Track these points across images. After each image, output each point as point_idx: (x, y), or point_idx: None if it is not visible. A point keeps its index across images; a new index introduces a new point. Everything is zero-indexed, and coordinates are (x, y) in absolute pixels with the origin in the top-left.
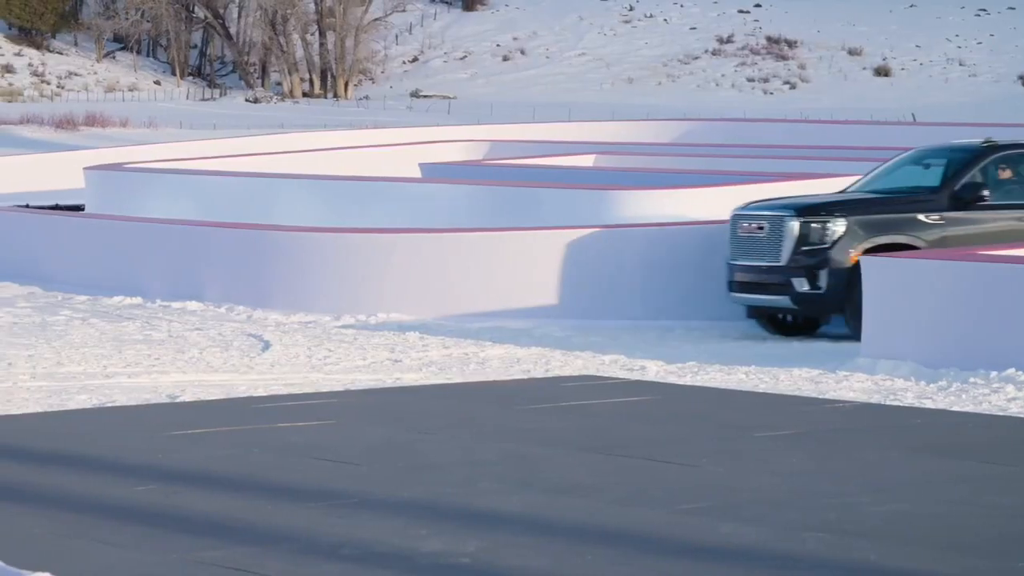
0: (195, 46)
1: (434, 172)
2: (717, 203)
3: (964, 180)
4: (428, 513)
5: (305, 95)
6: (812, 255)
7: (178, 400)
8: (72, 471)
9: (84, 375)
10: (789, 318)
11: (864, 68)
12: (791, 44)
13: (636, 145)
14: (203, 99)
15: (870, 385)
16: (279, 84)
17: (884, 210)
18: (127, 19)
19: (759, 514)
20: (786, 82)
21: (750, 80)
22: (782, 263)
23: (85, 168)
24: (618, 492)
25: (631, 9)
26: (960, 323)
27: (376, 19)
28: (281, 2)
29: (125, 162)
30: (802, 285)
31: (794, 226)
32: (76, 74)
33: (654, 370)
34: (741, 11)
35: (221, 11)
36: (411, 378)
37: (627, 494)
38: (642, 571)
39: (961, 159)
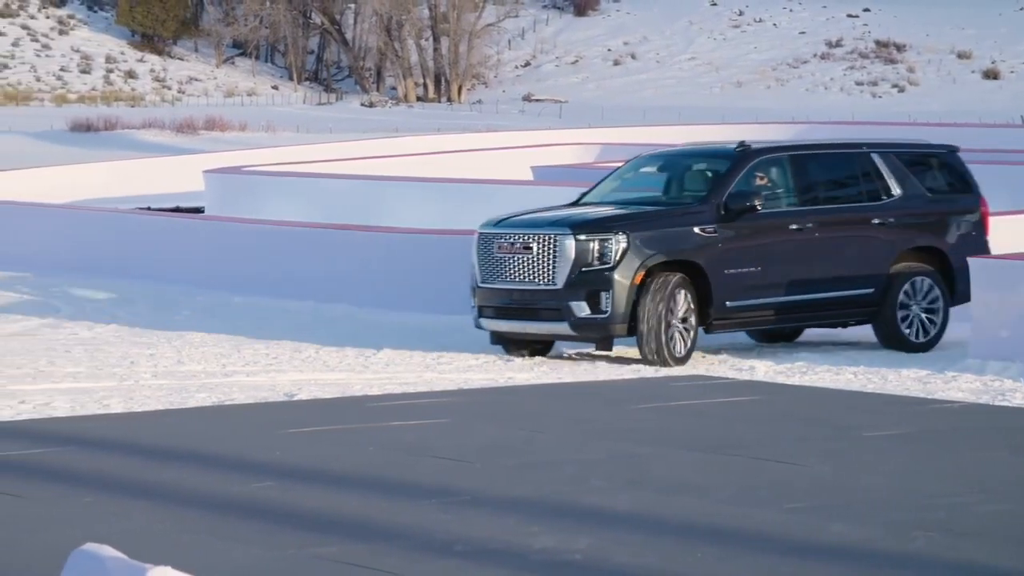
0: (312, 51)
1: (546, 175)
2: None
3: (731, 189)
4: (540, 510)
5: (419, 99)
6: (593, 276)
7: (295, 399)
8: (192, 468)
9: (204, 374)
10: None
11: (973, 71)
12: (900, 48)
13: None
14: (319, 103)
15: (979, 386)
16: (394, 88)
17: (661, 224)
18: (246, 25)
19: (867, 513)
20: (894, 85)
21: (858, 83)
22: (558, 286)
23: (205, 171)
24: (727, 491)
25: (740, 14)
26: None
27: (489, 24)
28: (396, 8)
29: (243, 165)
30: (582, 310)
31: (570, 245)
32: (196, 79)
33: (763, 370)
34: (850, 15)
35: (338, 17)
36: (523, 378)
37: (736, 493)
38: (750, 569)
39: (722, 166)
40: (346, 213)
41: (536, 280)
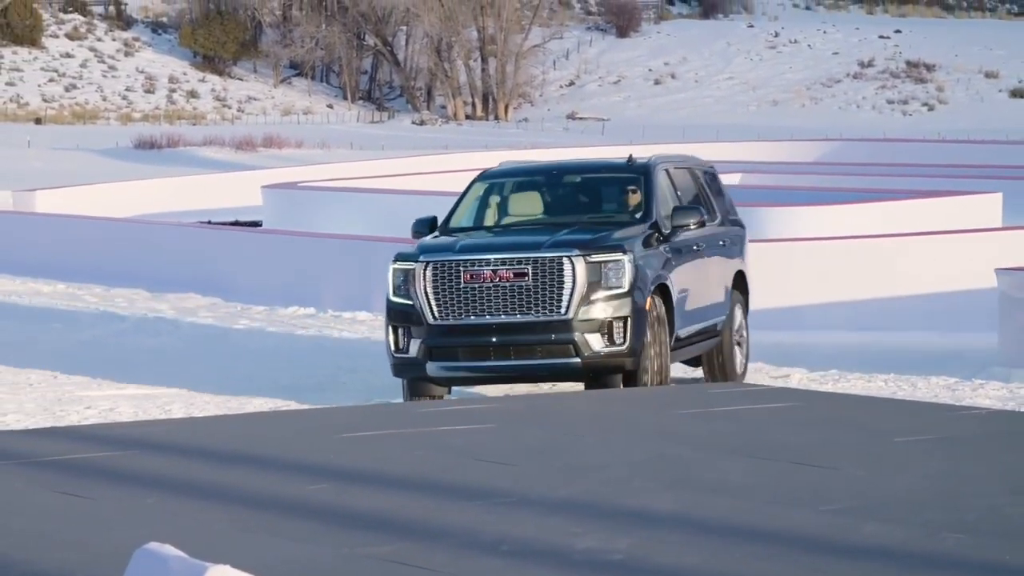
0: (365, 72)
1: None
2: (858, 219)
3: (672, 205)
4: (583, 512)
5: (468, 117)
6: (606, 303)
7: (346, 405)
8: (250, 470)
9: (261, 381)
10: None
11: (1000, 90)
12: (929, 68)
13: (780, 164)
14: (372, 121)
15: (1005, 393)
16: (443, 107)
17: (641, 243)
18: (302, 47)
19: (900, 515)
20: (924, 104)
21: (890, 102)
22: (567, 316)
23: (263, 186)
24: (765, 493)
25: (776, 35)
26: None
27: (535, 46)
28: (446, 30)
29: (300, 181)
30: (598, 343)
31: (581, 268)
32: (255, 98)
33: (797, 378)
34: (882, 36)
35: (390, 39)
36: (567, 384)
37: (774, 495)
38: (789, 567)
39: (635, 181)
40: (399, 226)
41: (536, 311)
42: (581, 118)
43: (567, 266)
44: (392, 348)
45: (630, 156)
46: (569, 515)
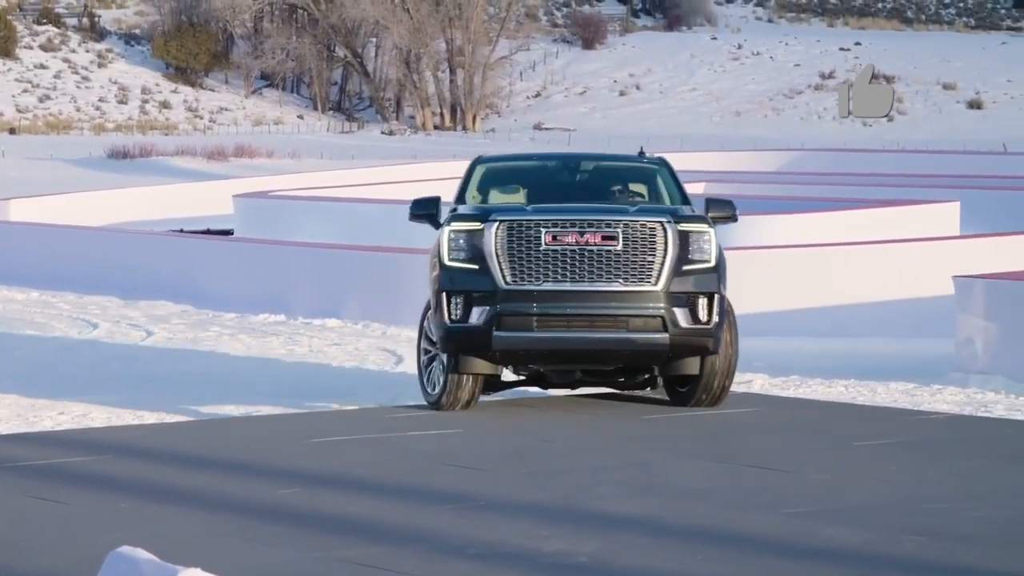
0: (335, 83)
1: None
2: (819, 228)
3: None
4: (550, 515)
5: (436, 128)
6: (697, 277)
7: (318, 410)
8: (222, 475)
9: (232, 387)
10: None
11: (958, 101)
12: (889, 79)
13: (743, 173)
14: (342, 132)
15: (962, 398)
16: (412, 117)
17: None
18: (273, 58)
19: (860, 518)
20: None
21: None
22: (658, 288)
23: (234, 195)
24: (728, 497)
25: (739, 47)
26: None
27: (502, 57)
28: (415, 42)
29: (271, 190)
30: (685, 318)
31: (673, 235)
32: (226, 109)
33: (759, 383)
34: (842, 49)
35: (359, 50)
36: (536, 389)
37: (737, 499)
38: (751, 571)
39: (658, 172)
40: (368, 235)
41: (624, 279)
42: (547, 128)
43: (660, 232)
44: (447, 317)
45: (641, 149)
46: (536, 519)
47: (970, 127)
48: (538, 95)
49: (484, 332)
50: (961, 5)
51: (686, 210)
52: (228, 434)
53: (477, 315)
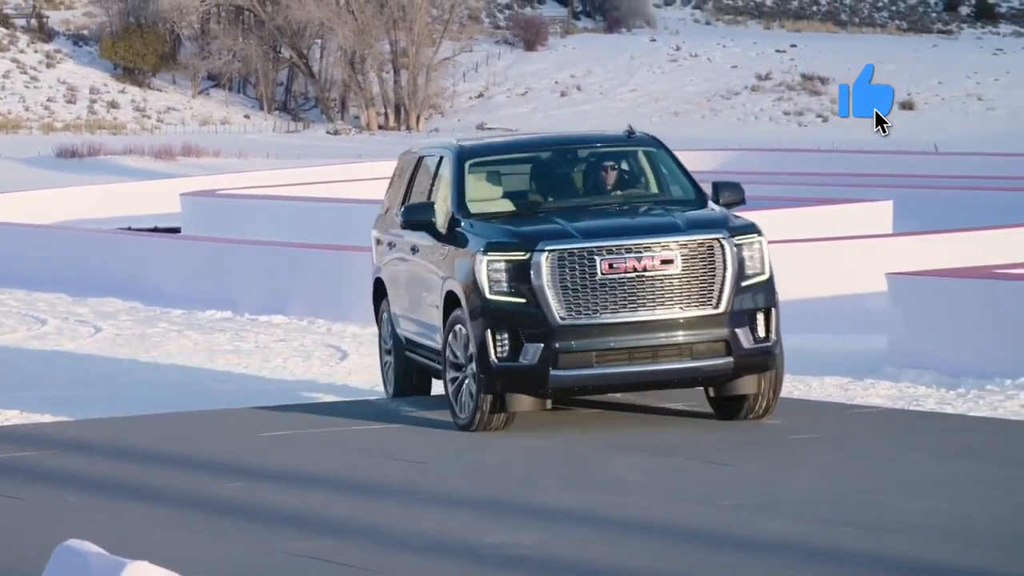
0: (281, 83)
1: None
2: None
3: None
4: (492, 509)
5: (380, 127)
6: (753, 293)
7: (264, 406)
8: (169, 469)
9: (180, 382)
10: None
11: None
12: (824, 81)
13: None
14: (288, 131)
15: (895, 392)
16: (357, 117)
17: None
18: (220, 59)
19: (796, 510)
20: (819, 115)
21: (786, 114)
22: (720, 310)
23: (181, 194)
24: (665, 489)
25: (677, 49)
26: (977, 335)
27: (445, 59)
28: (360, 43)
29: (217, 189)
30: (747, 339)
31: (730, 252)
32: (174, 109)
33: None
34: (778, 51)
35: (305, 52)
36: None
37: (674, 492)
38: (688, 562)
39: (659, 156)
40: (314, 233)
41: (682, 304)
42: (490, 128)
43: (718, 249)
44: (493, 356)
45: (630, 127)
46: (478, 512)
47: (903, 128)
48: (481, 96)
49: (539, 371)
50: (894, 8)
51: (733, 218)
52: (175, 429)
53: (530, 353)
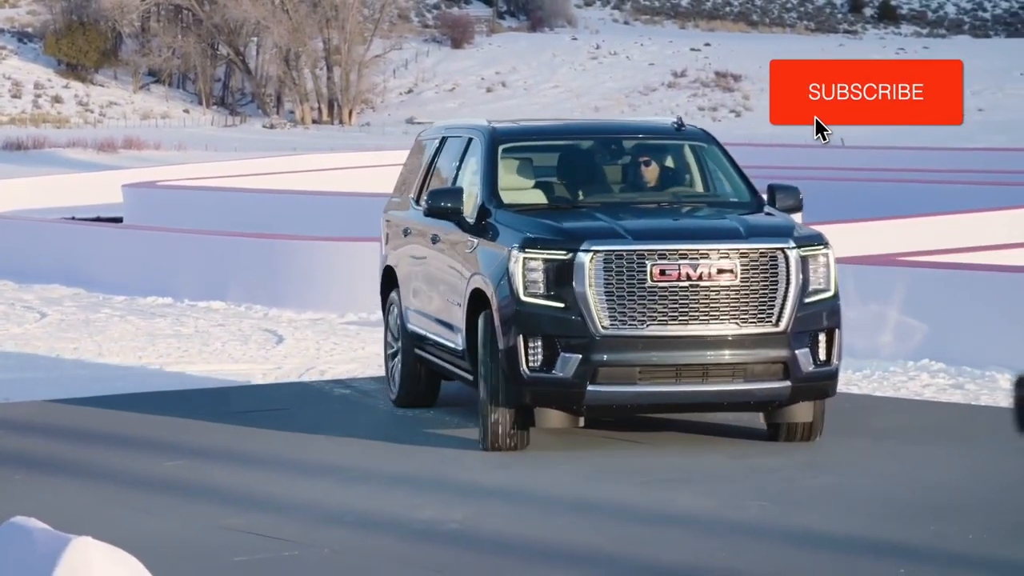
0: (219, 79)
1: None
2: None
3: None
4: (422, 485)
5: (314, 122)
6: (817, 312)
7: (202, 387)
8: (111, 449)
9: (122, 365)
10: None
11: None
12: (736, 78)
13: None
14: (226, 125)
15: None
16: (292, 112)
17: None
18: (160, 56)
19: (709, 488)
20: (732, 111)
21: (701, 109)
22: (780, 328)
23: (123, 185)
24: (587, 466)
25: (597, 47)
26: (883, 318)
27: (376, 56)
28: (294, 41)
29: (158, 180)
30: (807, 361)
31: (795, 262)
32: (116, 104)
33: None
34: (693, 49)
35: (242, 49)
36: None
37: (596, 469)
38: (609, 537)
39: (710, 151)
40: (250, 222)
41: (740, 319)
42: (419, 123)
43: (782, 261)
44: (524, 365)
45: (679, 119)
46: (409, 488)
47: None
48: (410, 91)
49: (575, 385)
50: (802, 9)
51: (799, 227)
52: (116, 410)
53: (566, 365)
